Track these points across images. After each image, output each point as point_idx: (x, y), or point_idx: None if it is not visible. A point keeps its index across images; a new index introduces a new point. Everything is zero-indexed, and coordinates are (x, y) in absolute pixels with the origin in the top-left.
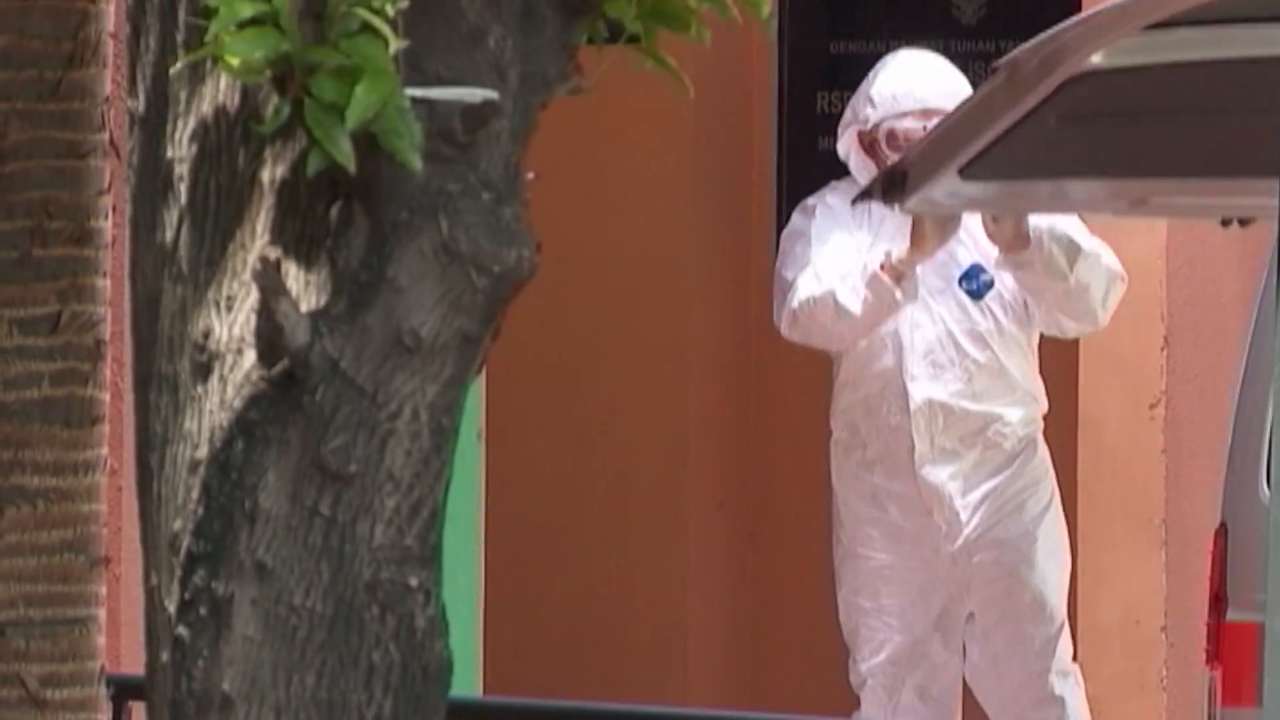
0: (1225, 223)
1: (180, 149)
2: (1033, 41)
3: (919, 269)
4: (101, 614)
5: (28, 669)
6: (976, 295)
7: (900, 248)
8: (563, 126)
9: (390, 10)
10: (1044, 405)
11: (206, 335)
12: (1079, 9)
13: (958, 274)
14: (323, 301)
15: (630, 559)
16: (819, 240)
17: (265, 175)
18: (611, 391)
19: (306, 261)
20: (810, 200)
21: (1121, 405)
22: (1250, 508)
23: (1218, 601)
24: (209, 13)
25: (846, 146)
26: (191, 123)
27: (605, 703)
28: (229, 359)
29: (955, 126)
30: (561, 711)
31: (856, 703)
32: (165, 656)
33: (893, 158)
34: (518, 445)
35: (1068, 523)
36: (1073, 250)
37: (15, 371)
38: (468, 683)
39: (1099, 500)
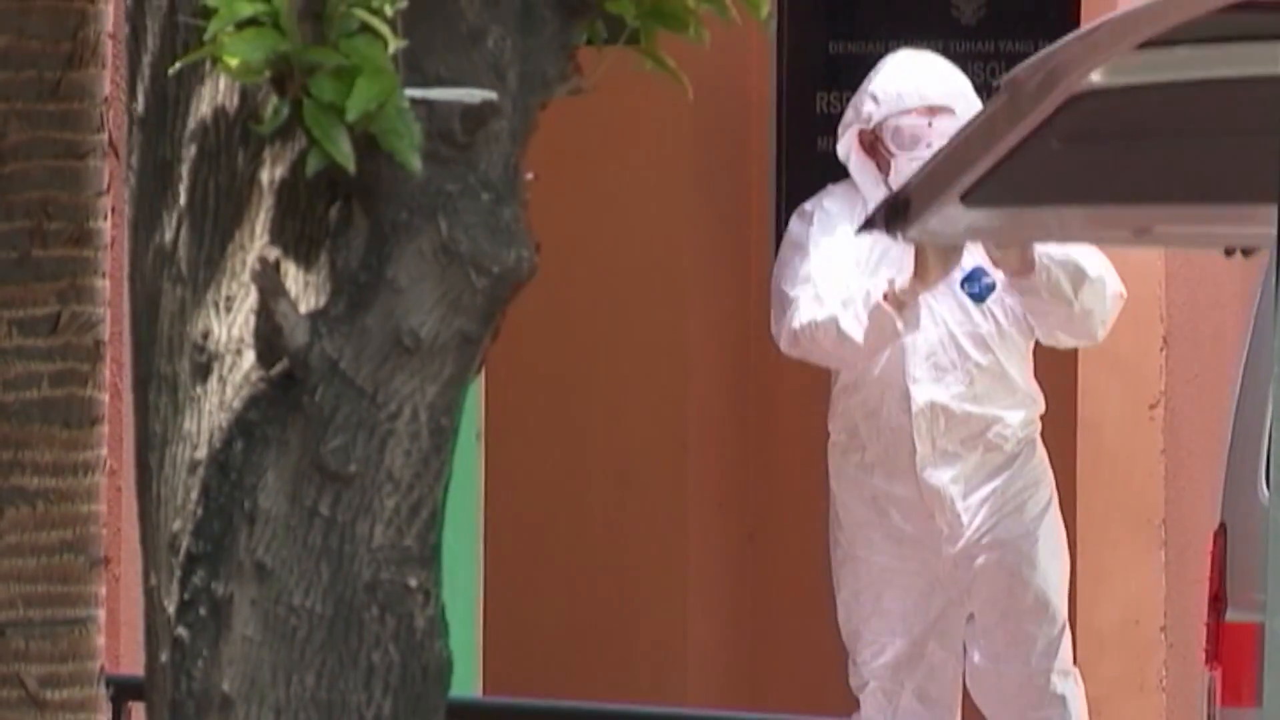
0: (1229, 253)
1: (179, 149)
2: (1033, 58)
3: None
4: (101, 614)
5: (27, 669)
6: (979, 298)
7: (903, 278)
8: (562, 127)
9: (389, 10)
10: (1042, 407)
11: (206, 336)
12: (1078, 10)
13: (960, 277)
14: (322, 302)
15: (630, 559)
16: (818, 252)
17: (264, 176)
18: (611, 391)
19: (306, 262)
20: (808, 206)
21: (1121, 406)
22: (1249, 508)
23: (1217, 601)
24: (208, 13)
25: (847, 147)
26: (191, 123)
27: (605, 703)
28: (228, 359)
29: (958, 150)
30: (561, 711)
31: (856, 704)
32: (165, 657)
33: (897, 156)
34: (517, 445)
35: (1067, 523)
36: (1078, 276)
37: (15, 372)
38: (467, 683)
39: (1098, 501)
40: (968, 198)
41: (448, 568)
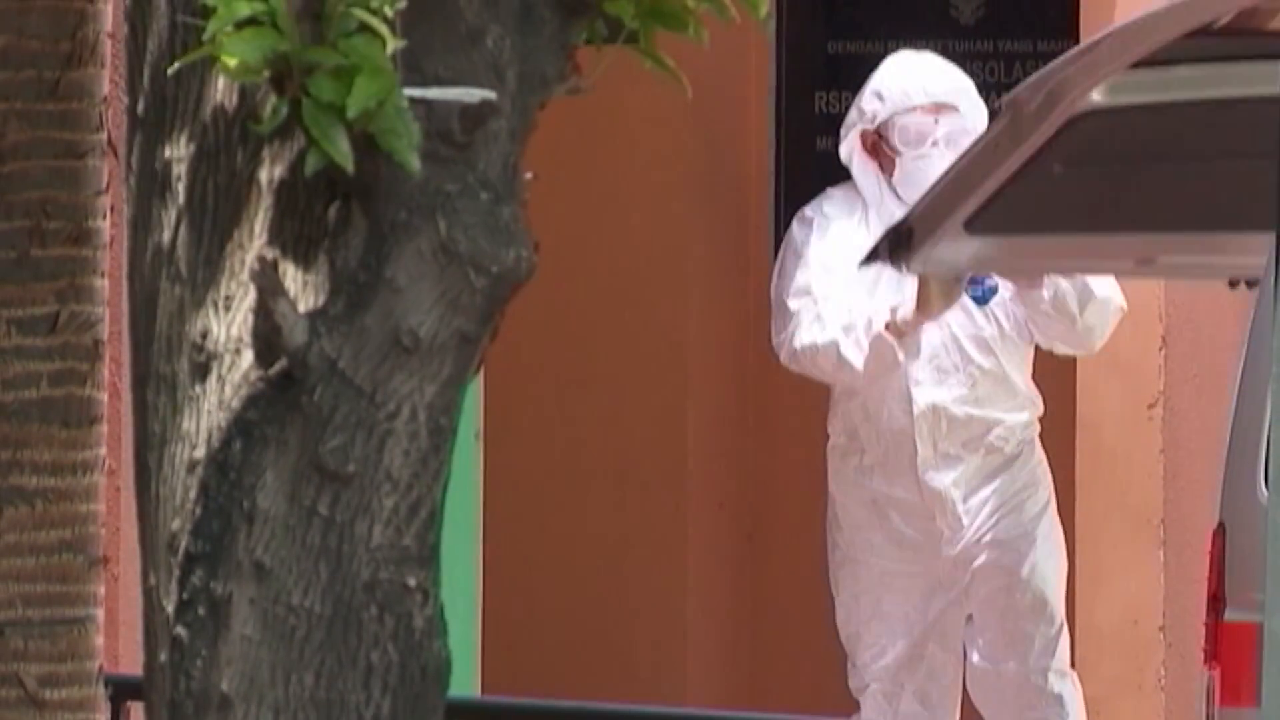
0: (1233, 284)
1: (178, 149)
2: (1033, 78)
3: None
4: (100, 614)
5: (26, 669)
6: (981, 301)
7: (906, 308)
8: (561, 126)
9: (388, 10)
10: (1041, 409)
11: (204, 335)
12: (1077, 10)
13: (963, 280)
14: (321, 301)
15: (630, 559)
16: (818, 261)
17: (263, 175)
18: (610, 391)
19: (304, 261)
20: (808, 211)
21: (1120, 405)
22: (1249, 507)
23: (1216, 601)
24: (207, 13)
25: (849, 148)
26: (190, 123)
27: (604, 703)
28: (227, 359)
29: (960, 175)
30: (560, 711)
31: (855, 704)
32: (163, 656)
33: (903, 154)
34: (517, 445)
35: (1066, 523)
36: (1085, 294)
37: (14, 371)
38: (466, 682)
39: (1097, 500)
40: (971, 225)
41: (446, 567)
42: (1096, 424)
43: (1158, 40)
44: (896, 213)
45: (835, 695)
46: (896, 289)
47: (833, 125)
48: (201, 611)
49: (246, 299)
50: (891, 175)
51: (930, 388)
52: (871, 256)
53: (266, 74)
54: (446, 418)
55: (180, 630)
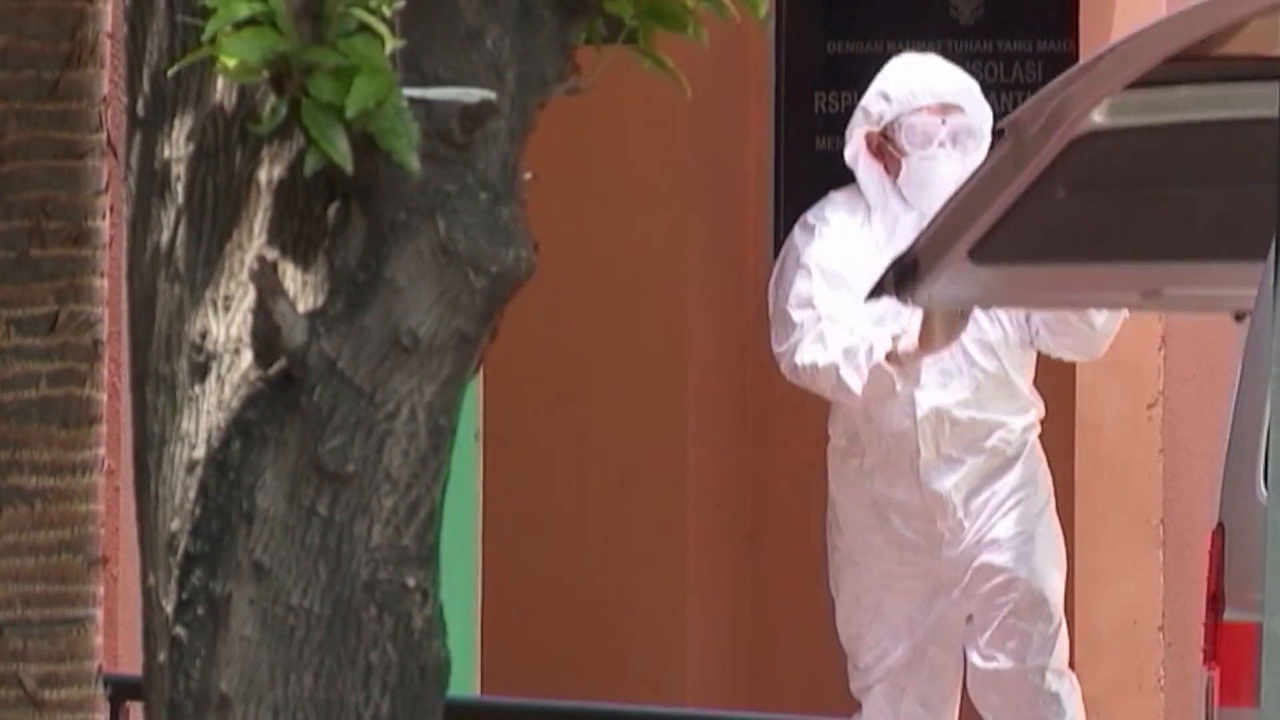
0: (1239, 317)
1: (178, 149)
2: (1033, 98)
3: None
4: (99, 614)
5: (25, 669)
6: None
7: (908, 340)
8: (560, 126)
9: (387, 10)
10: (1043, 411)
11: (204, 335)
12: (1076, 10)
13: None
14: (320, 301)
15: (629, 559)
16: (820, 271)
17: (263, 175)
18: (610, 391)
19: (304, 261)
20: (809, 217)
21: (1119, 405)
22: (1248, 507)
23: (1215, 601)
24: (206, 13)
25: (855, 150)
26: (189, 123)
27: (604, 703)
28: (226, 359)
29: (964, 202)
30: (560, 711)
31: (854, 705)
32: (163, 656)
33: (910, 155)
34: (516, 445)
35: (1066, 523)
36: None
37: (13, 372)
38: (465, 682)
39: (1097, 500)
40: (976, 253)
41: (446, 567)
42: (1096, 424)
43: (1157, 56)
44: (901, 215)
45: (834, 695)
46: (898, 311)
47: (832, 125)
48: (201, 612)
49: (246, 299)
50: (897, 177)
51: (933, 391)
52: (877, 290)
53: (266, 74)
54: (446, 418)
55: (179, 630)
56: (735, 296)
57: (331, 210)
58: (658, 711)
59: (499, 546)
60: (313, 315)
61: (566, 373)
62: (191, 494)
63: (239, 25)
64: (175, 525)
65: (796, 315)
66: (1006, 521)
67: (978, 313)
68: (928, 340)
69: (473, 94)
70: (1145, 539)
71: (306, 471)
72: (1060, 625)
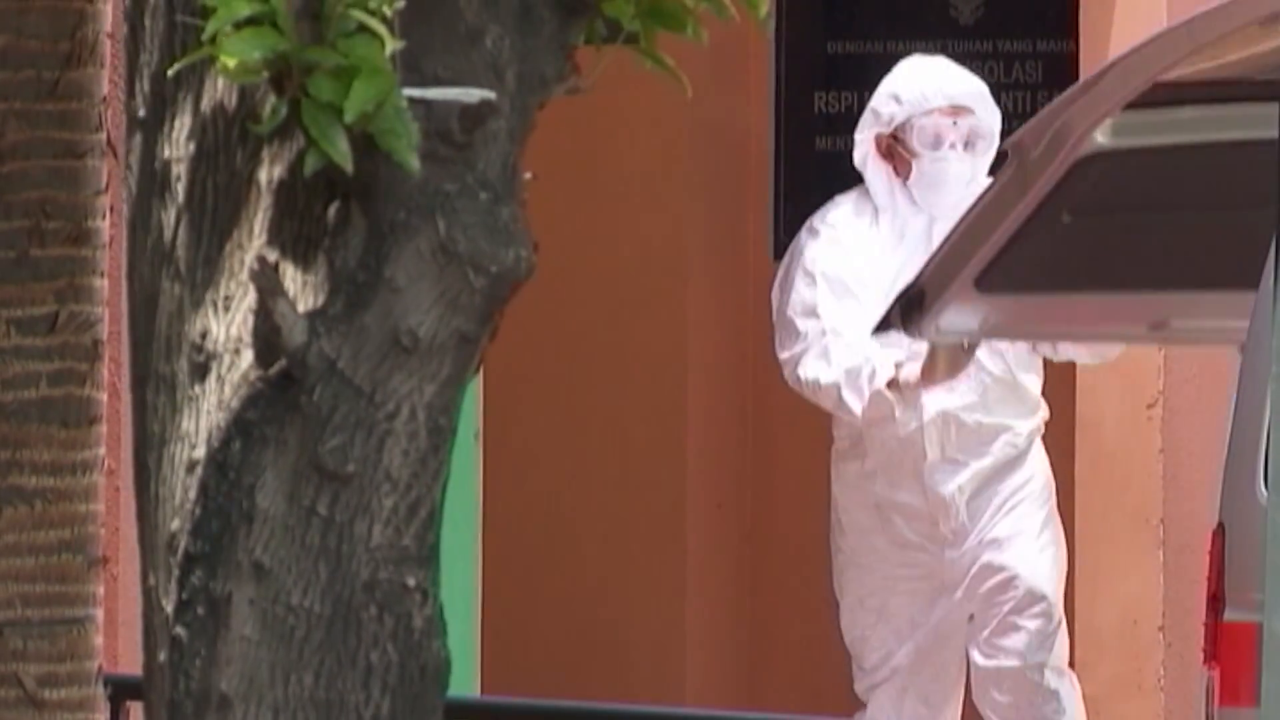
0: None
1: (178, 149)
2: (1035, 118)
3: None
4: (99, 614)
5: (25, 669)
6: None
7: (911, 370)
8: (560, 126)
9: (387, 10)
10: (1047, 413)
11: (204, 335)
12: (1076, 10)
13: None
14: (320, 301)
15: (629, 559)
16: (825, 279)
17: (263, 175)
18: (610, 391)
19: (304, 261)
20: (815, 222)
21: (1119, 405)
22: (1248, 507)
23: (1215, 601)
24: (206, 13)
25: (864, 153)
26: (189, 122)
27: (604, 703)
28: (226, 359)
29: (970, 227)
30: (560, 711)
31: (854, 704)
32: (163, 656)
33: (921, 156)
34: (516, 445)
35: (1066, 523)
36: None
37: (13, 371)
38: (465, 682)
39: (1097, 500)
40: (982, 282)
41: (446, 567)
42: (1096, 424)
43: (1156, 71)
44: (910, 217)
45: (835, 695)
46: (906, 363)
47: (832, 125)
48: (201, 611)
49: (246, 299)
50: (906, 179)
51: (940, 394)
52: (884, 324)
53: (266, 74)
54: (446, 418)
55: (179, 630)
56: (735, 296)
57: (331, 210)
58: (658, 711)
59: (499, 546)
60: (313, 315)
61: (566, 373)
62: (191, 494)
63: (239, 25)
64: (175, 525)
65: (801, 324)
66: (1008, 521)
67: None
68: (930, 373)
69: (473, 94)
70: (1145, 539)
71: (306, 471)
72: (1060, 623)
